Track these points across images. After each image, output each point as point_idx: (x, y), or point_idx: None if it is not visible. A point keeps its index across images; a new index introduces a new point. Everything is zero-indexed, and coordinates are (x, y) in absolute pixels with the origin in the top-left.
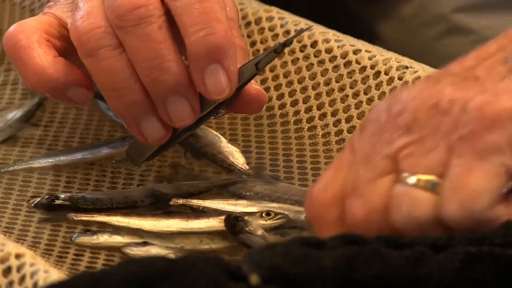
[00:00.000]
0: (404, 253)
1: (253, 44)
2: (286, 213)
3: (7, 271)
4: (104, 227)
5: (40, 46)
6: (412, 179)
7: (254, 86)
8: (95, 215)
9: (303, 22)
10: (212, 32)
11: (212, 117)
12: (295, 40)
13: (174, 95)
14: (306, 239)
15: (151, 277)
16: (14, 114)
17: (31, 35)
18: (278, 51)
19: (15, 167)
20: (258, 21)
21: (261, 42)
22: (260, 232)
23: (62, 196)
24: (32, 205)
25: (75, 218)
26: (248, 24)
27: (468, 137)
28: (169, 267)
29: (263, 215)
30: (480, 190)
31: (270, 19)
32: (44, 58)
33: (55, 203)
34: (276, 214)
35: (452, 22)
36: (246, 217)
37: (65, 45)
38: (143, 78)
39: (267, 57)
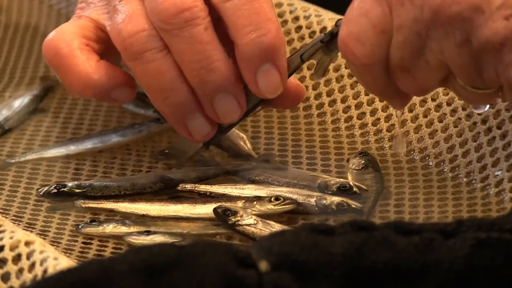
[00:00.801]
0: (413, 239)
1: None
2: (295, 197)
3: (17, 258)
4: (112, 215)
5: (82, 53)
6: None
7: (294, 81)
8: (102, 202)
9: (312, 8)
10: (265, 33)
11: (252, 113)
12: (304, 26)
13: (222, 93)
14: (315, 225)
15: (160, 264)
16: (21, 102)
17: (71, 42)
18: (324, 41)
19: (26, 157)
20: None
21: None
22: (252, 220)
23: (70, 184)
24: (41, 193)
25: (83, 206)
26: None
27: None
28: (178, 254)
29: (272, 199)
30: None
31: (279, 5)
32: (88, 65)
33: (63, 191)
34: (285, 199)
35: None
36: (235, 207)
37: (104, 47)
38: (190, 79)
39: (312, 48)
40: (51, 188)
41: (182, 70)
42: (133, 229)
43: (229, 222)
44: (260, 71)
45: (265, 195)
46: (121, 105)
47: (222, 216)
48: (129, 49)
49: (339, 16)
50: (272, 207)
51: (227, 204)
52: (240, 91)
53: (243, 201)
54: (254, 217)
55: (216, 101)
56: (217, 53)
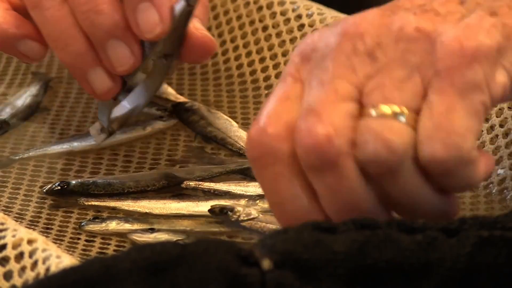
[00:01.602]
0: (416, 237)
1: (264, 28)
2: None
3: (20, 256)
4: (114, 213)
5: None
6: (386, 109)
7: (200, 31)
8: (105, 200)
9: (314, 7)
10: None
11: (167, 75)
12: (307, 24)
13: (112, 39)
14: (318, 223)
15: (162, 262)
16: (24, 99)
17: None
18: None
19: (29, 154)
20: (269, 5)
21: (273, 27)
22: (253, 216)
23: (74, 182)
24: (44, 191)
25: (86, 203)
26: (259, 8)
27: (447, 72)
28: (181, 252)
29: None
30: (466, 130)
31: (281, 3)
32: None
33: (67, 189)
34: None
35: None
36: (234, 206)
37: (24, 4)
38: (82, 24)
39: None
40: (55, 185)
41: (75, 15)
42: (136, 226)
43: (232, 219)
44: (138, 9)
45: None
46: (32, 63)
47: (221, 215)
48: None
49: (341, 14)
50: None
51: (221, 202)
52: (132, 38)
53: (246, 199)
54: (256, 213)
55: (108, 48)
56: None
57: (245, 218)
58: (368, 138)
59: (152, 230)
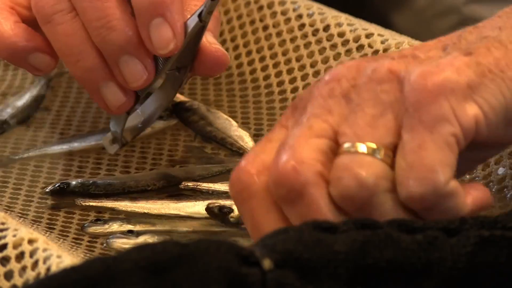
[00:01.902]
0: (416, 237)
1: (265, 28)
2: None
3: (20, 256)
4: (116, 213)
5: (1, 12)
6: (361, 147)
7: (214, 45)
8: (103, 201)
9: (315, 6)
10: None
11: (180, 87)
12: (307, 24)
13: (125, 55)
14: (318, 223)
15: (163, 262)
16: (25, 99)
17: None
18: None
19: (29, 153)
20: (270, 5)
21: (274, 26)
22: None
23: (74, 182)
24: (46, 191)
25: (83, 204)
26: (260, 8)
27: (414, 108)
28: (181, 252)
29: None
30: (439, 164)
31: (282, 3)
32: (3, 23)
33: (67, 189)
34: None
35: (465, 13)
36: (232, 207)
37: (34, 15)
38: (94, 40)
39: (208, 7)
40: (56, 186)
41: (88, 31)
42: (138, 227)
43: (231, 220)
44: (151, 25)
45: None
46: (41, 74)
47: (220, 215)
48: (41, 12)
49: (342, 14)
50: None
51: (219, 202)
52: (145, 54)
53: None
54: None
55: (121, 64)
56: (117, 12)
57: (237, 217)
58: (340, 175)
59: (131, 233)
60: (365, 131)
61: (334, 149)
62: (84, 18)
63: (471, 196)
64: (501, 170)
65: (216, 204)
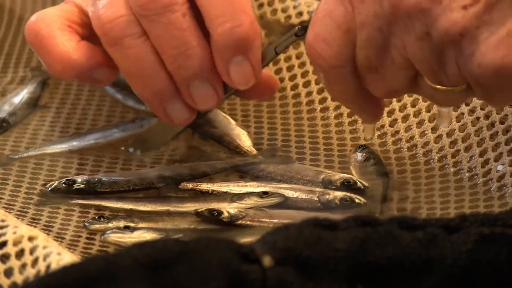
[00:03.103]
0: (417, 234)
1: (265, 25)
2: (297, 194)
3: (20, 253)
4: (115, 211)
5: (63, 33)
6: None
7: (266, 73)
8: (103, 200)
9: (316, 3)
10: (238, 24)
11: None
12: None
13: (198, 79)
14: (318, 220)
15: (164, 259)
16: (21, 98)
17: (52, 23)
18: (298, 34)
19: (29, 153)
20: (271, 2)
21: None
22: (242, 216)
23: (79, 179)
24: (49, 189)
25: (72, 202)
26: (261, 5)
27: None
28: (182, 249)
29: (260, 194)
30: None
31: (282, 0)
32: (68, 44)
33: (72, 186)
34: (273, 193)
35: None
36: (222, 210)
37: (87, 32)
38: (168, 65)
39: (286, 41)
40: (61, 183)
41: (161, 56)
42: (141, 225)
43: (225, 220)
44: (232, 62)
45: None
46: (103, 87)
47: (212, 218)
48: (109, 35)
49: None
50: (260, 199)
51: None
52: (217, 78)
53: (231, 196)
54: (240, 211)
55: (192, 88)
56: (194, 39)
57: (235, 220)
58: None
59: (128, 228)
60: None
61: None
62: (158, 44)
63: None
64: (500, 168)
65: (204, 209)
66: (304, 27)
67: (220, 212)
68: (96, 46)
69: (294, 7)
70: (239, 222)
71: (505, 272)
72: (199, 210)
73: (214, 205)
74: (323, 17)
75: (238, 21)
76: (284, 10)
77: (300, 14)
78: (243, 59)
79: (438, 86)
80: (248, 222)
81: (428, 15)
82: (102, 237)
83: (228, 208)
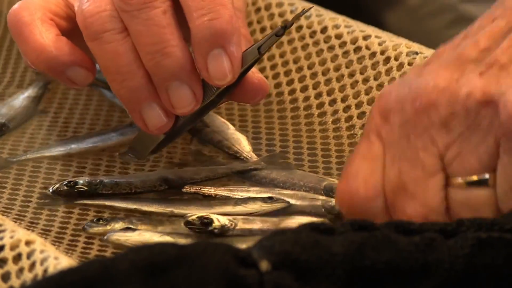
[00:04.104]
0: (414, 239)
1: (263, 30)
2: (299, 202)
3: (17, 257)
4: (114, 213)
5: (43, 24)
6: (468, 179)
7: (256, 74)
8: (102, 201)
9: (313, 8)
10: (216, 17)
11: (213, 108)
12: (305, 26)
13: (176, 80)
14: (316, 225)
15: (161, 263)
16: (21, 102)
17: (34, 12)
18: (279, 34)
19: (27, 156)
20: (268, 7)
21: (271, 28)
22: (229, 223)
23: (81, 181)
24: (51, 191)
25: (72, 203)
26: (258, 10)
27: (508, 136)
28: (179, 253)
29: (266, 200)
30: None
31: (279, 5)
32: (45, 36)
33: (75, 188)
34: (277, 199)
35: (460, 11)
36: (212, 218)
37: (70, 25)
38: (146, 63)
39: (269, 41)
40: (62, 185)
41: (139, 53)
42: (140, 227)
43: (216, 232)
44: (210, 55)
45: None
46: (101, 90)
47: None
48: (89, 28)
49: (339, 16)
50: (265, 204)
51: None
52: (196, 81)
53: (235, 200)
54: (229, 221)
55: (170, 89)
56: (173, 38)
57: (227, 230)
58: (461, 210)
59: (130, 229)
60: (473, 160)
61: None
62: (137, 40)
63: None
64: None
65: (195, 216)
66: (284, 27)
67: (210, 221)
68: (75, 45)
69: (291, 12)
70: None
71: (502, 276)
72: (189, 219)
73: (218, 209)
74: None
75: (217, 13)
76: (281, 15)
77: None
78: (221, 53)
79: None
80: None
81: (448, 98)
82: (105, 237)
83: (219, 217)
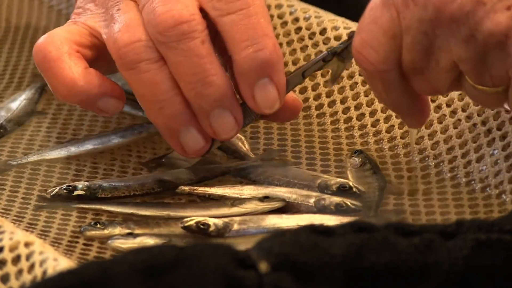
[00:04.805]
0: (413, 240)
1: None
2: (294, 197)
3: (17, 259)
4: (112, 216)
5: (71, 58)
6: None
7: (291, 95)
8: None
9: (312, 10)
10: (261, 48)
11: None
12: (304, 27)
13: (218, 108)
14: (315, 226)
15: (160, 265)
16: (18, 103)
17: (61, 46)
18: (327, 59)
19: (28, 159)
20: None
21: None
22: (225, 226)
23: (80, 185)
24: (50, 195)
25: (71, 206)
26: None
27: None
28: (178, 255)
29: (262, 199)
30: None
31: (279, 6)
32: (75, 70)
33: (74, 193)
34: (273, 198)
35: None
36: (208, 222)
37: (96, 54)
38: (186, 92)
39: (314, 66)
40: (62, 189)
41: (178, 82)
42: (137, 231)
43: (212, 234)
44: (257, 85)
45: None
46: (108, 116)
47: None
48: (124, 58)
49: (338, 18)
50: (261, 204)
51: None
52: (237, 106)
53: (232, 201)
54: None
55: (212, 116)
56: (213, 67)
57: (222, 232)
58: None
59: (132, 235)
60: (487, 80)
61: None
62: (177, 71)
63: None
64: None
65: (192, 222)
66: (333, 52)
67: (207, 227)
68: (104, 76)
69: (290, 13)
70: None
71: (501, 277)
72: (186, 224)
73: (214, 211)
74: (369, 23)
75: (261, 44)
76: (280, 16)
77: (296, 20)
78: (267, 82)
79: (482, 87)
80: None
81: (472, 17)
82: (107, 244)
83: (216, 221)
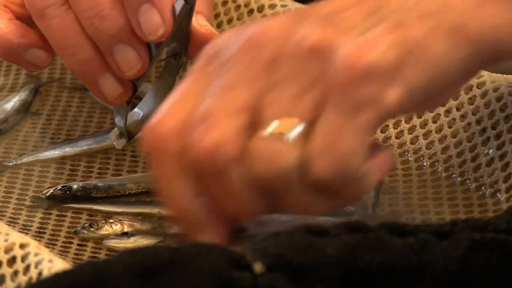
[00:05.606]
0: (407, 240)
1: None
2: None
3: (12, 261)
4: (107, 216)
5: None
6: (277, 126)
7: (205, 27)
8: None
9: (291, 4)
10: None
11: (178, 73)
12: None
13: (119, 43)
14: (309, 227)
15: (154, 266)
16: (12, 104)
17: None
18: None
19: (23, 160)
20: (260, 8)
21: None
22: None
23: (75, 186)
24: (46, 195)
25: (65, 206)
26: (250, 11)
27: (338, 90)
28: (173, 256)
29: None
30: (352, 149)
31: (272, 6)
32: None
33: (69, 193)
34: None
35: None
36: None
37: (27, 12)
38: (88, 31)
39: None
40: (57, 189)
41: (80, 22)
42: (132, 230)
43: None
44: (140, 11)
45: None
46: (38, 70)
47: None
48: (33, 7)
49: None
50: None
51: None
52: (138, 41)
53: None
54: None
55: (115, 53)
56: (108, 0)
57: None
58: (256, 160)
59: (127, 235)
60: (286, 109)
61: (252, 124)
62: (76, 9)
63: (377, 161)
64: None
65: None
66: None
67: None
68: (30, 28)
69: (270, 6)
70: None
71: (496, 277)
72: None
73: None
74: None
75: None
76: (259, 10)
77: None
78: (150, 7)
79: None
80: None
81: None
82: (101, 243)
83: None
